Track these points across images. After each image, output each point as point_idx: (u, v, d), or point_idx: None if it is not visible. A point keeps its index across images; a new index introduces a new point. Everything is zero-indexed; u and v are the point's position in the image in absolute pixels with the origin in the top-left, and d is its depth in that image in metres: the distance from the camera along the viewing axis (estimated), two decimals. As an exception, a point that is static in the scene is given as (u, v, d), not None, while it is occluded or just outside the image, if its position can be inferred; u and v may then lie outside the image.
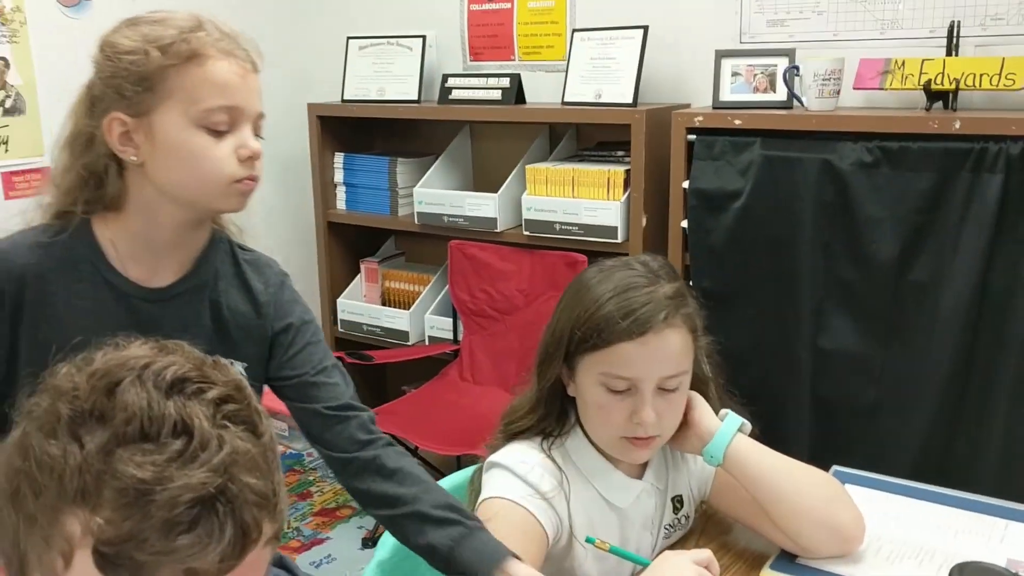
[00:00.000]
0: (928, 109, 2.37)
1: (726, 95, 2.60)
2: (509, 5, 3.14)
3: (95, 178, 1.16)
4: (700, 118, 2.52)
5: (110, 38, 1.15)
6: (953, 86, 2.32)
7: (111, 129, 1.13)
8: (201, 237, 1.24)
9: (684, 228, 2.56)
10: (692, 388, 1.29)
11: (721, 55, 2.60)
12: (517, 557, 1.10)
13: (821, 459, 2.44)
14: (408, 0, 3.33)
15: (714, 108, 2.60)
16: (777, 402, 2.51)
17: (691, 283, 2.57)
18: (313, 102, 3.33)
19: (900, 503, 1.33)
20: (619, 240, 2.69)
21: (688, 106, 2.78)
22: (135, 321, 1.15)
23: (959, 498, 1.32)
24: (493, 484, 1.22)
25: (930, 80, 2.34)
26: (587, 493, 1.25)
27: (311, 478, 3.47)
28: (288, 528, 3.11)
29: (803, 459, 2.47)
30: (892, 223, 2.27)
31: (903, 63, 2.40)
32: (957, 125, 2.20)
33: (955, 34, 2.41)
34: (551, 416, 1.26)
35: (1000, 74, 2.27)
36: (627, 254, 2.65)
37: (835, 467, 1.41)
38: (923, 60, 2.37)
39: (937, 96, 2.36)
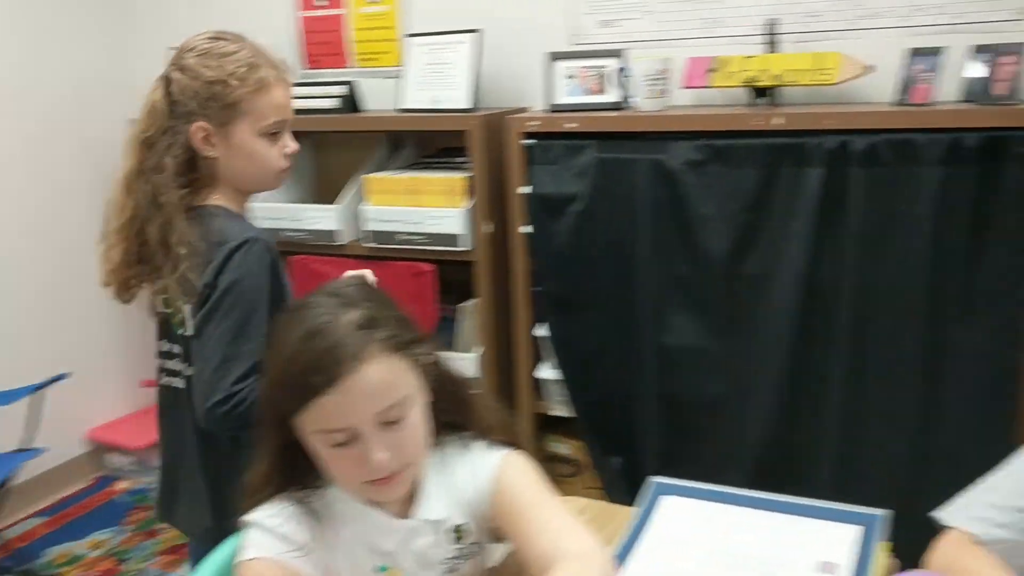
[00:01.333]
0: (752, 105, 2.42)
1: (561, 98, 2.59)
2: (341, 10, 3.06)
3: (188, 165, 1.55)
4: (535, 122, 2.50)
5: (192, 64, 1.54)
6: (774, 82, 2.38)
7: (196, 134, 1.54)
8: None
9: (525, 233, 2.54)
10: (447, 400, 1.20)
11: (553, 57, 2.59)
12: None
13: (672, 456, 2.52)
14: (235, 8, 3.21)
15: (549, 111, 2.58)
16: (625, 402, 2.53)
17: (537, 288, 2.56)
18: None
19: (720, 511, 1.33)
20: (463, 248, 2.64)
21: (526, 110, 2.76)
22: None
23: (777, 501, 1.33)
24: (246, 545, 1.12)
25: (753, 77, 2.39)
26: (352, 539, 1.17)
27: (163, 512, 3.29)
28: (133, 569, 2.94)
29: (655, 458, 2.53)
30: (723, 219, 2.31)
31: (727, 61, 2.45)
32: (778, 121, 2.25)
33: (775, 32, 2.47)
34: (295, 476, 1.15)
35: (817, 69, 2.34)
36: (472, 263, 2.62)
37: (655, 479, 1.40)
38: (746, 58, 2.42)
39: (761, 92, 2.42)
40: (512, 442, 1.24)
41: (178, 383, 1.63)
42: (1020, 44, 2.18)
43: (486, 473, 1.20)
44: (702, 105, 2.60)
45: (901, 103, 2.27)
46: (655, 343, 2.45)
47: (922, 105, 2.22)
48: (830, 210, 2.21)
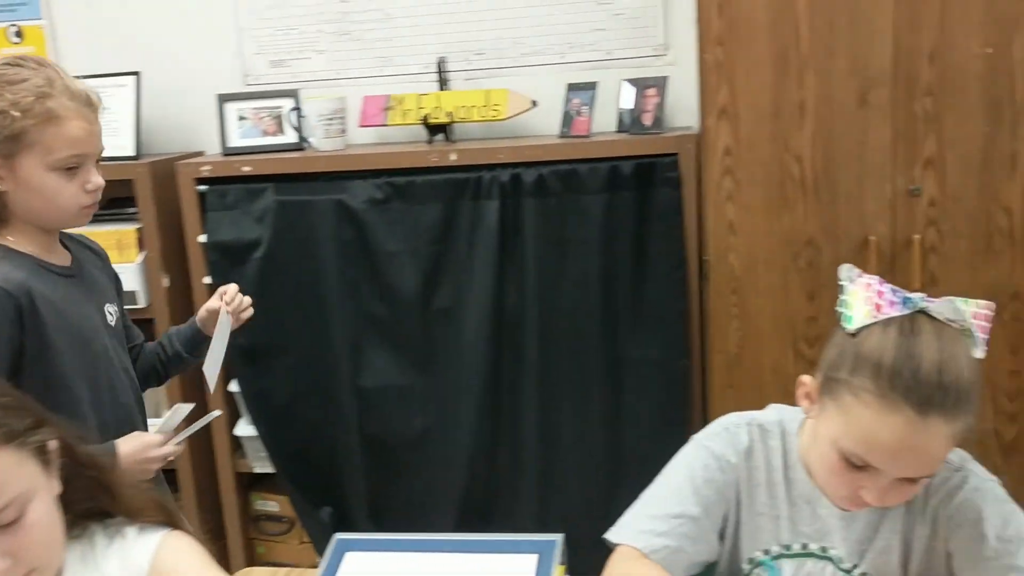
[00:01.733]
0: (430, 142, 2.45)
1: (234, 140, 2.49)
2: (-22, 52, 2.75)
3: None
4: (207, 167, 2.38)
5: None
6: (448, 119, 2.43)
7: None
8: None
9: (207, 284, 2.39)
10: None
11: (223, 99, 2.49)
12: None
13: (381, 499, 2.48)
14: None
15: (223, 155, 2.47)
16: (329, 450, 2.46)
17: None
18: None
19: (404, 561, 1.30)
20: (141, 305, 2.45)
21: (201, 154, 2.62)
22: (80, 293, 1.52)
23: (459, 541, 1.33)
24: None
25: (427, 114, 2.43)
26: None
27: None
28: None
29: (364, 503, 2.48)
30: (409, 255, 2.32)
31: (402, 99, 2.47)
32: (453, 157, 2.30)
33: (443, 69, 2.53)
34: None
35: (487, 105, 2.42)
36: (152, 319, 2.43)
37: (337, 536, 1.35)
38: (419, 95, 2.46)
39: (438, 129, 2.46)
40: (169, 522, 1.13)
41: None
42: (661, 78, 2.39)
43: (140, 561, 1.08)
44: (382, 143, 2.61)
45: (564, 135, 2.40)
46: (353, 385, 2.41)
47: (582, 137, 2.37)
48: (509, 240, 2.30)
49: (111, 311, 1.57)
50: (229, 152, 2.47)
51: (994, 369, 2.10)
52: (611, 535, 1.22)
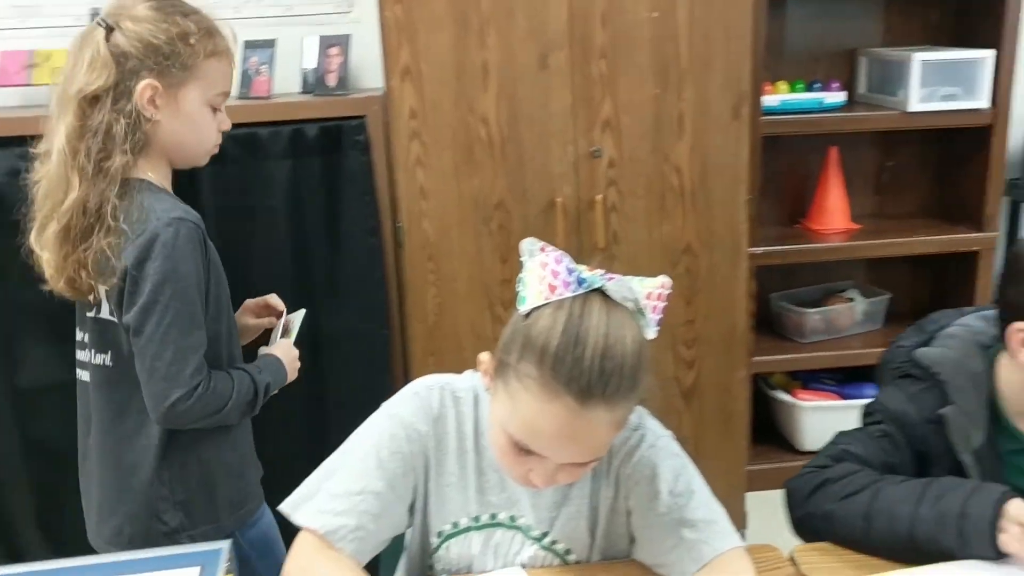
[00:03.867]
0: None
1: None
2: None
3: (132, 127, 1.37)
4: None
5: (148, 15, 1.36)
6: (106, 78, 2.16)
7: (143, 93, 1.36)
8: None
9: None
10: None
11: None
12: None
13: (49, 516, 2.20)
14: None
15: None
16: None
17: None
18: None
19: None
20: None
21: None
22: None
23: (108, 564, 1.16)
24: None
25: (81, 73, 2.14)
26: None
27: None
28: None
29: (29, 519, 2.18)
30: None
31: (49, 55, 2.17)
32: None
33: (98, 22, 2.24)
34: None
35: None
36: None
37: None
38: (70, 51, 2.16)
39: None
40: None
41: (84, 376, 1.51)
42: (344, 36, 2.27)
43: None
44: (26, 106, 2.27)
45: (242, 96, 2.22)
46: (8, 385, 2.09)
47: (262, 98, 2.20)
48: (186, 212, 2.08)
49: None
50: None
51: (671, 320, 2.23)
52: (288, 508, 1.13)
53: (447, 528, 1.18)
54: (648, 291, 1.02)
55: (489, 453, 1.17)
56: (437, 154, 2.05)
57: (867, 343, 2.79)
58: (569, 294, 1.00)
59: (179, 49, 1.37)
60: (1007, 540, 1.12)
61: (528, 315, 1.01)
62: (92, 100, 1.35)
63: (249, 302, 1.70)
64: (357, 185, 2.17)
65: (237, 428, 1.53)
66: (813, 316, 2.82)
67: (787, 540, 1.30)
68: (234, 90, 2.21)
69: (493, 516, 1.18)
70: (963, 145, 2.79)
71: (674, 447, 1.18)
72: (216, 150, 1.51)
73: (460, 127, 2.04)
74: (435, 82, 2.01)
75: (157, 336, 1.35)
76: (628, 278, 1.03)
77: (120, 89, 1.35)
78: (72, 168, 1.35)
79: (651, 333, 1.02)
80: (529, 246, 1.04)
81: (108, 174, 1.35)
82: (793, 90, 2.68)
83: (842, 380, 2.85)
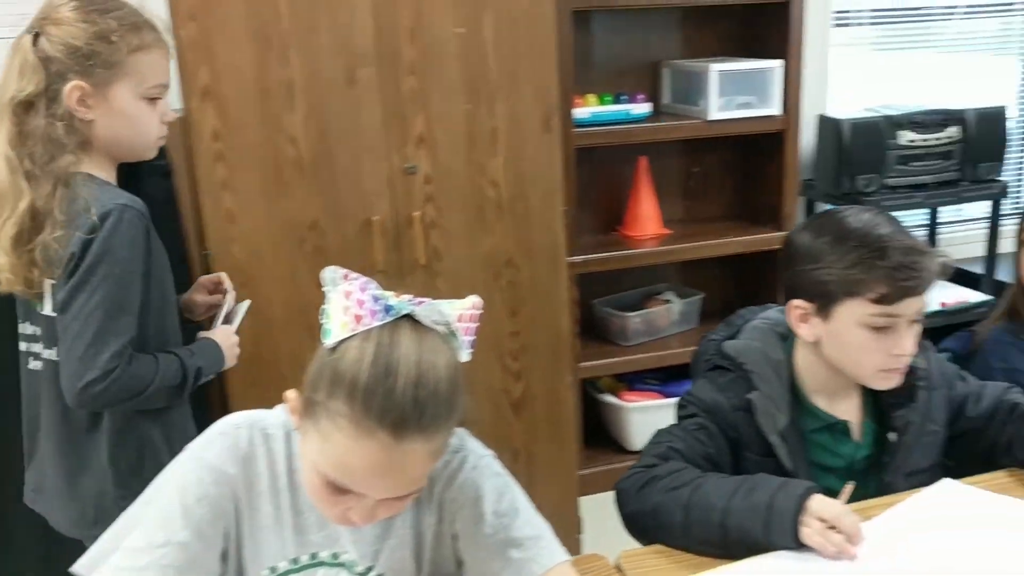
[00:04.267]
0: None
1: None
2: None
3: (67, 127, 1.40)
4: None
5: (69, 18, 1.39)
6: None
7: (71, 95, 1.39)
8: None
9: None
10: None
11: None
12: None
13: None
14: None
15: None
16: None
17: None
18: None
19: None
20: None
21: None
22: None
23: None
24: None
25: None
26: None
27: None
28: None
29: None
30: None
31: None
32: None
33: None
34: None
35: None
36: None
37: None
38: None
39: None
40: None
41: (36, 365, 1.52)
42: (138, 55, 2.14)
43: None
44: None
45: (24, 121, 2.05)
46: None
47: (48, 122, 2.04)
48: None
49: None
50: None
51: (497, 332, 2.24)
52: (84, 570, 1.04)
53: (264, 574, 1.12)
54: (459, 313, 1.01)
55: (305, 490, 1.11)
56: (244, 176, 1.97)
57: (685, 342, 2.91)
58: (376, 323, 0.96)
59: (100, 48, 1.39)
60: (807, 534, 1.19)
61: (334, 348, 0.96)
62: (26, 106, 1.39)
63: (203, 278, 1.72)
64: (161, 211, 2.04)
65: (176, 411, 1.54)
66: (634, 319, 2.91)
67: (623, 541, 1.32)
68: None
69: (314, 556, 1.13)
70: (761, 150, 2.95)
71: (496, 466, 1.16)
72: (162, 141, 1.52)
73: (267, 147, 1.97)
74: (238, 102, 1.93)
75: (82, 315, 1.37)
76: (438, 302, 1.00)
77: (51, 93, 1.39)
78: (19, 174, 1.39)
79: (465, 355, 1.01)
80: (331, 275, 0.99)
81: (54, 175, 1.39)
82: (602, 102, 2.76)
83: (664, 379, 2.96)
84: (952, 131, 2.98)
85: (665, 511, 1.27)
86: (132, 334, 1.39)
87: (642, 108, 2.78)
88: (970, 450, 1.43)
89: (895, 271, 1.25)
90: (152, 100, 1.46)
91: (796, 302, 1.36)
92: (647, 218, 2.95)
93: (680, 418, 1.43)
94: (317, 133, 2.00)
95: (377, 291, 0.98)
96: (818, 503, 1.20)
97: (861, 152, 2.91)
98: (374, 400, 0.93)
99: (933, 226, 3.35)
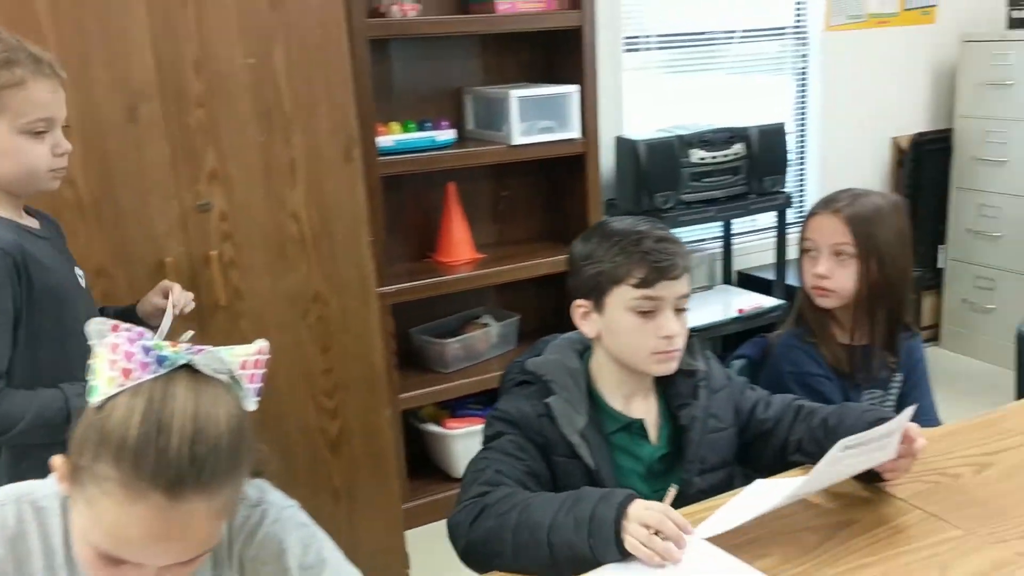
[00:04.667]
0: None
1: None
2: None
3: None
4: None
5: None
6: None
7: None
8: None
9: None
10: None
11: None
12: None
13: None
14: None
15: None
16: None
17: None
18: None
19: None
20: None
21: None
22: (57, 254, 1.56)
23: None
24: None
25: None
26: None
27: None
28: None
29: None
30: None
31: None
32: None
33: None
34: None
35: None
36: None
37: None
38: None
39: None
40: None
41: None
42: None
43: None
44: None
45: None
46: None
47: None
48: None
49: (80, 274, 1.60)
50: None
51: (309, 371, 2.17)
52: None
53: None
54: (243, 359, 0.95)
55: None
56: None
57: (505, 364, 2.85)
58: (148, 376, 0.89)
59: None
60: (630, 542, 1.20)
61: (101, 407, 0.89)
62: None
63: (162, 283, 1.72)
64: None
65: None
66: (453, 345, 2.90)
67: (453, 572, 1.32)
68: None
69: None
70: (565, 172, 3.03)
71: (300, 517, 1.11)
72: (60, 173, 1.53)
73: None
74: None
75: None
76: (219, 348, 0.94)
77: None
78: None
79: (251, 404, 0.95)
80: (97, 327, 0.91)
81: None
82: (406, 130, 2.74)
83: (487, 403, 2.96)
84: (738, 148, 3.17)
85: (496, 537, 1.26)
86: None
87: (447, 134, 2.79)
88: (765, 451, 1.51)
89: (648, 255, 1.37)
90: (38, 134, 1.47)
91: (577, 302, 1.47)
92: (459, 243, 2.95)
93: (488, 438, 1.45)
94: (98, 173, 1.87)
95: (149, 341, 0.91)
96: (639, 509, 1.22)
97: (657, 171, 3.05)
98: (145, 461, 0.86)
99: (728, 237, 3.55)
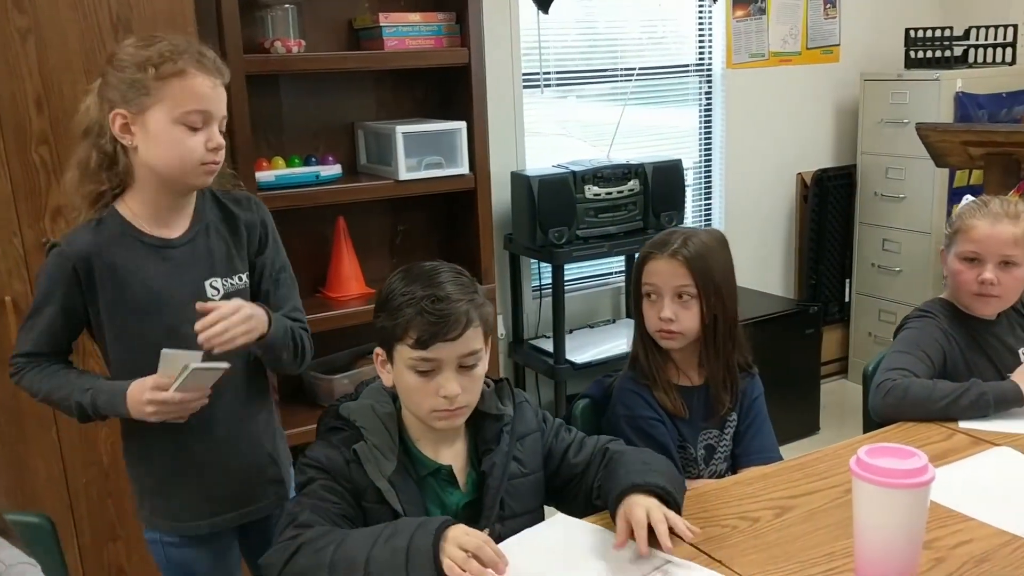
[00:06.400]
0: None
1: None
2: None
3: (110, 158, 1.55)
4: None
5: (118, 54, 1.53)
6: None
7: (114, 121, 1.51)
8: (191, 198, 1.64)
9: None
10: None
11: None
12: None
13: None
14: None
15: None
16: None
17: None
18: None
19: None
20: None
21: None
22: (171, 266, 1.59)
23: None
24: None
25: None
26: None
27: None
28: None
29: None
30: None
31: None
32: None
33: None
34: None
35: None
36: None
37: None
38: None
39: None
40: None
41: None
42: None
43: None
44: None
45: None
46: None
47: None
48: None
49: (215, 285, 1.61)
50: None
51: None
52: None
53: None
54: None
55: None
56: None
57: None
58: None
59: (138, 78, 1.49)
60: (449, 565, 1.20)
61: None
62: (84, 136, 1.56)
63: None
64: None
65: (152, 448, 1.64)
66: (342, 381, 2.88)
67: None
68: None
69: None
70: (458, 207, 3.03)
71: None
72: (213, 168, 1.55)
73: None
74: None
75: None
76: None
77: (99, 124, 1.54)
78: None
79: None
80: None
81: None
82: (290, 165, 2.73)
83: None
84: (633, 184, 3.20)
85: (311, 575, 1.25)
86: (29, 349, 1.57)
87: (332, 169, 2.78)
88: (578, 495, 1.50)
89: (422, 315, 1.34)
90: (194, 129, 1.51)
91: (377, 349, 1.45)
92: (349, 278, 2.94)
93: (300, 484, 1.43)
94: (-69, 211, 1.85)
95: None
96: (459, 533, 1.23)
97: (551, 206, 3.07)
98: None
99: (630, 271, 3.57)
